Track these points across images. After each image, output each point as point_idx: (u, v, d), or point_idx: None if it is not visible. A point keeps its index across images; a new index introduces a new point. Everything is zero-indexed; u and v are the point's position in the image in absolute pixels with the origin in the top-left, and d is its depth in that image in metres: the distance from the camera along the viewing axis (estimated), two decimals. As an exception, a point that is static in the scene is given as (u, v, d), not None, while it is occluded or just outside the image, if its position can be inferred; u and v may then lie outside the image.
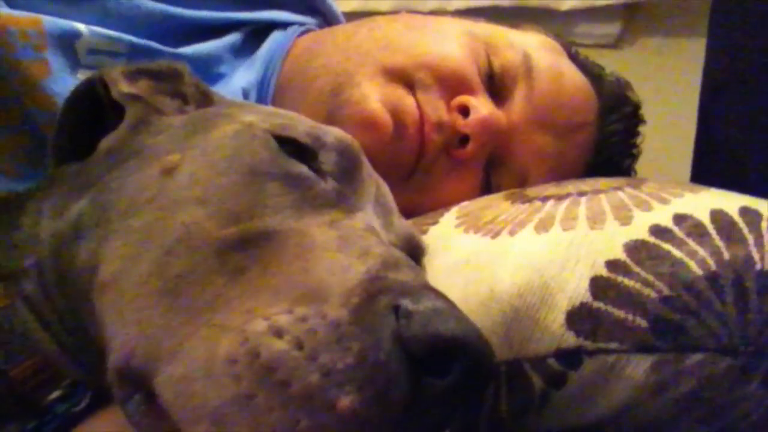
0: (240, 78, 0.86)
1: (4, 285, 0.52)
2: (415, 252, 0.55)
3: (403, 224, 0.56)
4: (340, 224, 0.45)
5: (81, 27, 0.72)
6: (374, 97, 0.75)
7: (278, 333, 0.36)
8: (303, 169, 0.48)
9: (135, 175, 0.49)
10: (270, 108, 0.68)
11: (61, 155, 0.60)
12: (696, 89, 1.00)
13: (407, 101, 0.76)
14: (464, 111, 0.76)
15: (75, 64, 0.73)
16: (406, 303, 0.38)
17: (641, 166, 0.96)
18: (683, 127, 1.09)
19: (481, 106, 0.76)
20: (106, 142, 0.56)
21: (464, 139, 0.76)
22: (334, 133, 0.54)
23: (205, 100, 0.61)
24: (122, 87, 0.58)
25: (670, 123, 1.45)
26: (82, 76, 0.73)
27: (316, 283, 0.39)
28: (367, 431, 0.35)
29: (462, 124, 0.76)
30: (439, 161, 0.77)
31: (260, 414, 0.35)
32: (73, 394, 0.51)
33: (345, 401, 0.35)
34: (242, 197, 0.45)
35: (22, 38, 0.69)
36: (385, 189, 0.57)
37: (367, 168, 0.55)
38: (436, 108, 0.76)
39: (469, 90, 0.77)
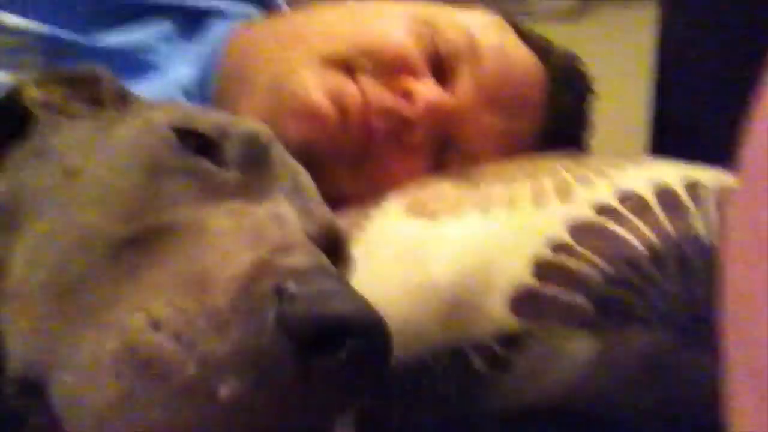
0: (177, 71, 0.84)
1: None
2: (335, 239, 0.55)
3: (323, 212, 0.55)
4: (239, 213, 0.44)
5: None
6: (315, 86, 0.74)
7: (156, 326, 0.35)
8: (203, 161, 0.47)
9: (39, 177, 0.48)
10: (180, 104, 0.67)
11: None
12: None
13: (350, 89, 0.74)
14: (409, 95, 0.75)
15: None
16: (291, 285, 0.36)
17: (600, 138, 0.95)
18: (643, 98, 1.08)
19: (426, 90, 0.75)
20: (13, 157, 0.53)
21: (410, 124, 0.75)
22: (243, 124, 0.52)
23: (124, 103, 0.59)
24: (34, 95, 0.56)
25: (629, 93, 1.45)
26: (3, 76, 0.71)
27: (199, 274, 0.38)
28: (255, 418, 0.34)
29: (407, 108, 0.74)
30: (388, 147, 0.76)
31: (141, 411, 0.34)
32: None
33: (225, 389, 0.34)
34: (139, 195, 0.44)
35: None
36: (306, 177, 0.55)
37: (282, 156, 0.54)
38: (380, 94, 0.75)
39: (413, 73, 0.76)
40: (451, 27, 0.80)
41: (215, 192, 0.45)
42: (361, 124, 0.74)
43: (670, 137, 0.97)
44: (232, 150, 0.49)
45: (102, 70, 0.60)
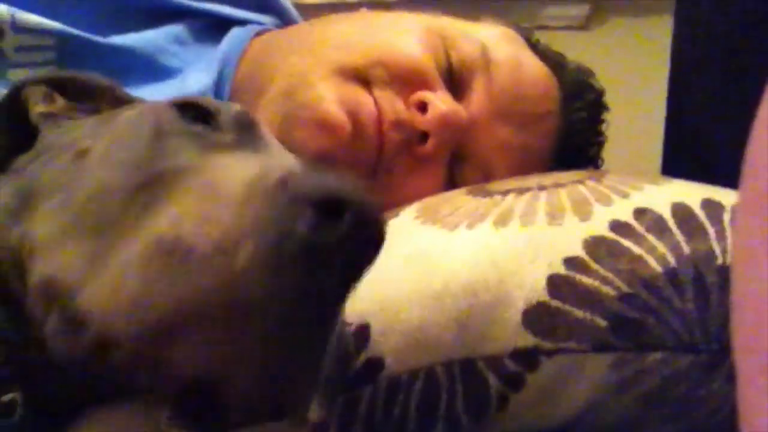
0: (194, 80, 0.84)
1: None
2: None
3: None
4: (239, 156, 0.47)
5: (4, 13, 0.70)
6: (330, 97, 0.74)
7: (179, 220, 0.40)
8: (201, 126, 0.50)
9: (50, 165, 0.51)
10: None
11: None
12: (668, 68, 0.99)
13: (364, 100, 0.74)
14: (423, 107, 0.75)
15: (3, 63, 0.73)
16: (294, 175, 0.40)
17: (613, 149, 0.95)
18: (655, 108, 1.08)
19: (440, 101, 0.75)
20: (18, 162, 0.55)
21: (424, 136, 0.75)
22: (234, 105, 0.55)
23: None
24: (39, 108, 0.58)
25: (641, 103, 1.45)
26: (12, 74, 0.72)
27: (212, 182, 0.42)
28: (273, 282, 0.37)
29: (421, 120, 0.74)
30: (401, 159, 0.76)
31: (169, 288, 0.38)
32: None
33: (243, 256, 0.37)
34: (144, 152, 0.47)
35: None
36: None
37: (271, 137, 0.55)
38: (394, 105, 0.75)
39: (428, 86, 0.76)
40: (465, 39, 0.80)
41: (214, 147, 0.48)
42: (375, 136, 0.74)
43: (685, 149, 0.97)
44: (226, 119, 0.52)
45: (108, 84, 0.63)
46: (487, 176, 0.78)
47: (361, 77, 0.75)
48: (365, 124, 0.73)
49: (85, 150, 0.50)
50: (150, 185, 0.44)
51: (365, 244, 0.41)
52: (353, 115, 0.73)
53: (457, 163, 0.79)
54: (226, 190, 0.41)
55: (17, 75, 0.74)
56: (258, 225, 0.38)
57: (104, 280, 0.41)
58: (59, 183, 0.49)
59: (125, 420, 0.52)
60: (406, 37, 0.79)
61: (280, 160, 0.46)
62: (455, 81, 0.78)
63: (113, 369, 0.40)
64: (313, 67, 0.76)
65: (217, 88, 0.84)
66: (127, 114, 0.53)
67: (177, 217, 0.40)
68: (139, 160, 0.47)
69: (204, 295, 0.38)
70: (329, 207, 0.38)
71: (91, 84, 0.62)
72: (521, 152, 0.80)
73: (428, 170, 0.76)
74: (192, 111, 0.51)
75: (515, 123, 0.79)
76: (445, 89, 0.77)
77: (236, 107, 0.54)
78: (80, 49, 0.78)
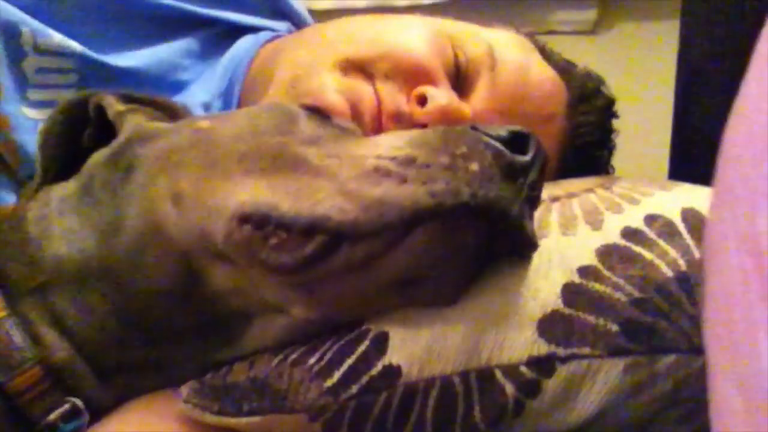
0: (201, 90, 0.85)
1: (5, 297, 0.55)
2: None
3: None
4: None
5: (26, 35, 0.72)
6: (332, 87, 0.75)
7: (400, 147, 0.51)
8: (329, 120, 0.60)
9: (165, 138, 0.58)
10: None
11: (47, 171, 0.63)
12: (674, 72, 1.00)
13: (365, 91, 0.75)
14: (423, 101, 0.75)
15: (23, 83, 0.74)
16: (477, 125, 0.53)
17: (621, 153, 0.95)
18: (663, 111, 1.08)
19: (440, 95, 0.75)
20: (99, 156, 0.60)
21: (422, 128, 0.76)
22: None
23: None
24: (118, 107, 0.63)
25: (649, 106, 1.45)
26: (31, 94, 0.74)
27: (402, 134, 0.55)
28: (491, 186, 0.49)
29: (420, 112, 0.75)
30: None
31: (418, 186, 0.48)
32: (77, 411, 0.54)
33: (475, 166, 0.50)
34: (294, 125, 0.57)
35: None
36: None
37: None
38: (394, 98, 0.75)
39: (431, 81, 0.76)
40: (473, 41, 0.81)
41: (347, 133, 0.59)
42: (373, 125, 0.75)
43: (692, 152, 0.97)
44: (340, 120, 0.63)
45: (165, 100, 0.70)
46: None
47: (366, 70, 0.77)
48: (364, 113, 0.74)
49: (207, 128, 0.57)
50: (317, 142, 0.54)
51: (543, 166, 0.54)
52: (353, 105, 0.74)
53: None
54: (410, 136, 0.53)
55: (38, 96, 0.76)
56: (476, 149, 0.50)
57: (329, 193, 0.49)
58: (181, 146, 0.56)
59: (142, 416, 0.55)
60: (413, 33, 0.80)
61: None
62: (461, 80, 0.79)
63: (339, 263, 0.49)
64: (319, 58, 0.78)
65: (227, 93, 0.85)
66: (244, 109, 0.62)
67: (386, 148, 0.51)
68: (286, 129, 0.56)
69: (447, 191, 0.48)
70: (517, 138, 0.52)
71: (168, 104, 0.69)
72: None
73: None
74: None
75: (518, 123, 0.79)
76: (449, 86, 0.77)
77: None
78: (97, 72, 0.80)
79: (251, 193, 0.51)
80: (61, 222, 0.57)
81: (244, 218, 0.50)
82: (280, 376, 0.54)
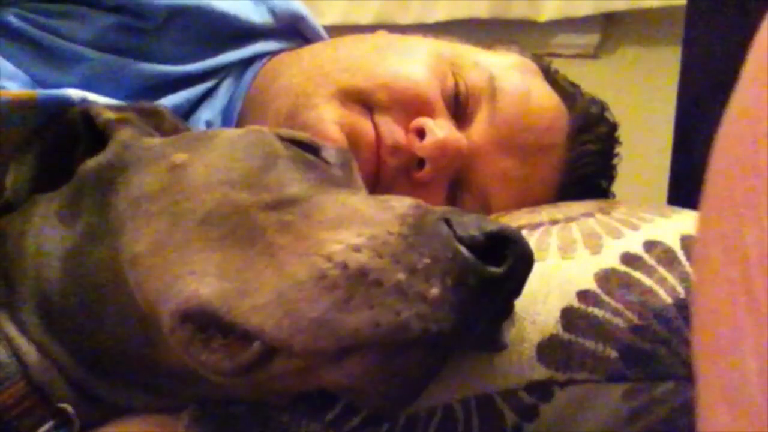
0: (204, 110, 0.85)
1: None
2: None
3: None
4: (359, 195, 0.51)
5: (73, 95, 0.72)
6: (330, 119, 0.75)
7: (357, 249, 0.44)
8: (313, 157, 0.55)
9: (139, 176, 0.54)
10: None
11: (34, 183, 0.62)
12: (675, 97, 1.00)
13: (363, 123, 0.75)
14: (421, 134, 0.75)
15: None
16: (453, 216, 0.46)
17: (620, 177, 0.95)
18: (663, 136, 1.09)
19: (438, 128, 0.75)
20: (89, 165, 0.59)
21: (422, 162, 0.75)
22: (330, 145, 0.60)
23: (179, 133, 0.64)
24: (107, 115, 0.62)
25: (649, 131, 1.45)
26: None
27: (369, 217, 0.46)
28: (455, 312, 0.43)
29: (418, 146, 0.75)
30: (399, 184, 0.76)
31: (362, 311, 0.42)
32: (66, 423, 0.53)
33: (434, 291, 0.42)
34: (266, 174, 0.51)
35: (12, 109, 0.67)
36: None
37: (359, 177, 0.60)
38: (392, 131, 0.75)
39: (430, 112, 0.76)
40: (474, 68, 0.80)
41: (329, 181, 0.53)
42: (371, 159, 0.75)
43: (692, 177, 0.97)
44: (329, 154, 0.57)
45: (164, 108, 0.68)
46: (486, 205, 0.78)
47: (364, 101, 0.76)
48: (362, 148, 0.74)
49: (182, 164, 0.53)
50: (279, 208, 0.48)
51: (524, 275, 0.47)
52: (351, 138, 0.74)
53: (458, 191, 0.78)
54: (389, 222, 0.45)
55: None
56: (440, 264, 0.43)
57: (269, 298, 0.44)
58: (153, 192, 0.52)
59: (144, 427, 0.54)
60: (413, 62, 0.79)
61: (401, 201, 0.49)
62: (461, 109, 0.78)
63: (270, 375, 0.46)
64: (318, 88, 0.77)
65: (227, 110, 0.85)
66: (226, 135, 0.57)
67: (353, 242, 0.44)
68: (259, 180, 0.51)
69: (401, 323, 0.42)
70: (495, 243, 0.45)
71: (154, 108, 0.67)
72: (523, 183, 0.80)
73: (427, 195, 0.76)
74: (295, 144, 0.56)
75: (518, 154, 0.79)
76: (448, 116, 0.77)
77: (332, 145, 0.60)
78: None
79: (198, 279, 0.47)
80: (37, 239, 0.56)
81: (187, 316, 0.47)
82: (282, 409, 0.54)
